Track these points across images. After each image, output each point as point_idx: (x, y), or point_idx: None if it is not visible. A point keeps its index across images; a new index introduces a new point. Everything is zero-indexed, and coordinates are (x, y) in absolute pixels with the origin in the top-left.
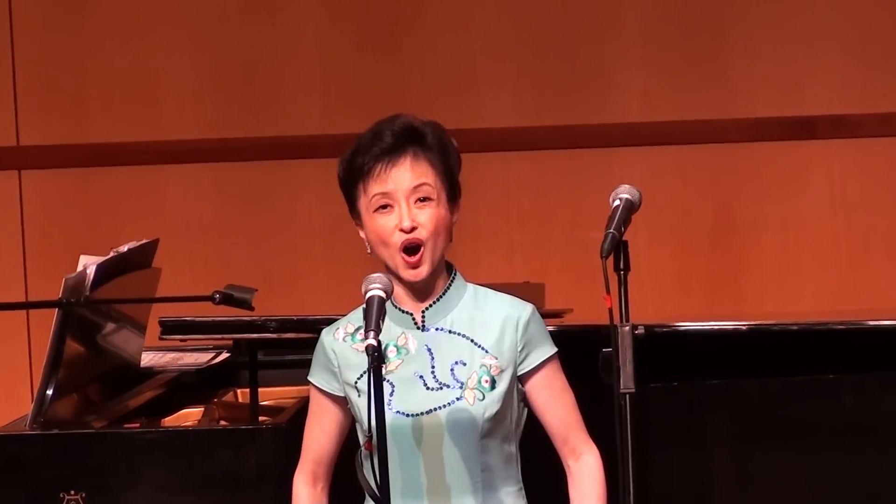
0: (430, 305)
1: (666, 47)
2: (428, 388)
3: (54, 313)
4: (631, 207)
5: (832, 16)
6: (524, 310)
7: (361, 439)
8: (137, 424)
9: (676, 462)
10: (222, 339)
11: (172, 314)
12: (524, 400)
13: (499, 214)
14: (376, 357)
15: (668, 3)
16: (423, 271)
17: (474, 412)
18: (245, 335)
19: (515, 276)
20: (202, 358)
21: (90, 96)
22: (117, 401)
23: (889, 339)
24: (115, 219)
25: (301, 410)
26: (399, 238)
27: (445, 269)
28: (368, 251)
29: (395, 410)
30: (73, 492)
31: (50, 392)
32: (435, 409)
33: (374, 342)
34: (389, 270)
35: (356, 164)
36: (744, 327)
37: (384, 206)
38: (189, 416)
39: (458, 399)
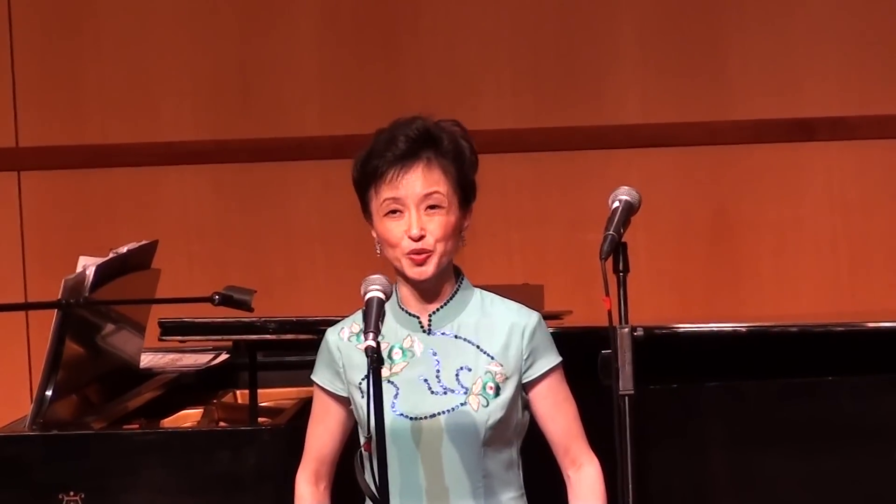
0: (438, 310)
1: (664, 49)
2: (432, 392)
3: (53, 314)
4: (630, 209)
5: (830, 18)
6: (531, 318)
7: (362, 440)
8: (137, 425)
9: (675, 464)
10: (221, 340)
11: (172, 315)
12: (527, 407)
13: (498, 216)
14: (375, 359)
15: (665, 5)
16: (429, 270)
17: (478, 418)
18: (244, 336)
19: (514, 277)
20: (201, 359)
21: (89, 98)
22: (117, 402)
23: (887, 342)
24: (113, 220)
25: (301, 411)
26: (408, 245)
27: (453, 274)
28: (378, 252)
29: (397, 413)
30: (72, 493)
31: (49, 393)
32: (438, 414)
33: (373, 343)
34: (397, 271)
35: (370, 167)
36: (743, 329)
37: (394, 211)
38: (188, 417)
39: (462, 405)
